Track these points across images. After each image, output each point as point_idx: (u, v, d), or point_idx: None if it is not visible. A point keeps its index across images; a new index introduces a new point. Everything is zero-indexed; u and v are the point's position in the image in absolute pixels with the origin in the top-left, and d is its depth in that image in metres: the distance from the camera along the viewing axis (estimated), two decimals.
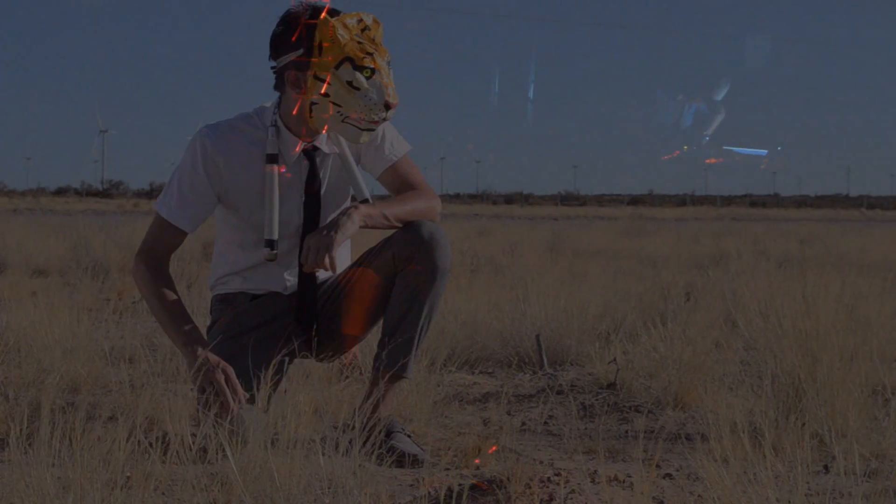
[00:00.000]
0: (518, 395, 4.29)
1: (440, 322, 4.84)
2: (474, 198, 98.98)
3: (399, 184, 3.40)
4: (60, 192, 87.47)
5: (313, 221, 3.36)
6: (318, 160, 3.37)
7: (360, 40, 3.20)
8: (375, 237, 3.46)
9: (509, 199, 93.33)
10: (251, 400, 3.14)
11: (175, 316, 3.24)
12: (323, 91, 3.21)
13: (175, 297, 3.28)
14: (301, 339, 3.37)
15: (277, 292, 3.43)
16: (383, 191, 3.54)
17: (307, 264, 3.11)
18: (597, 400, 4.15)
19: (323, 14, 3.20)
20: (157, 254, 3.31)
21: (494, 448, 3.15)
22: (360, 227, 3.20)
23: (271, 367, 3.14)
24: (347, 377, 3.84)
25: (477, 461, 3.09)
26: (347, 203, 3.43)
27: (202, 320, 4.06)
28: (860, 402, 3.50)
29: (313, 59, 3.20)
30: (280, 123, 3.34)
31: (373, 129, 3.25)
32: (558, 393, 4.29)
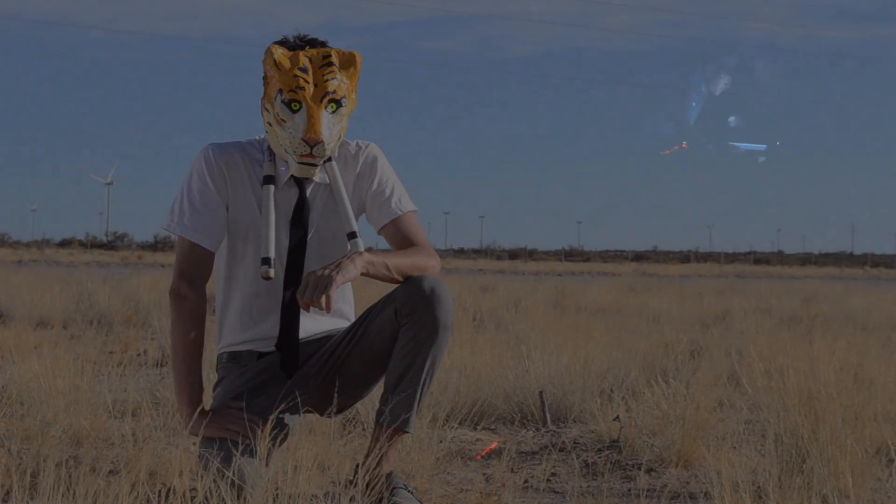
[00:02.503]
0: (521, 451, 4.28)
1: (443, 377, 4.84)
2: (478, 253, 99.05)
3: (401, 238, 3.40)
4: (65, 243, 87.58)
5: (300, 249, 3.35)
6: (307, 188, 3.38)
7: (299, 74, 3.21)
8: (373, 285, 3.47)
9: (513, 255, 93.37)
10: (252, 454, 3.13)
11: (190, 365, 3.29)
12: (267, 120, 3.26)
13: (199, 341, 3.30)
14: (302, 395, 3.36)
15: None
16: (380, 244, 3.54)
17: (304, 300, 3.10)
18: (600, 457, 4.14)
19: (273, 46, 3.24)
20: (194, 276, 3.31)
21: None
22: (362, 273, 3.20)
23: (269, 421, 3.14)
24: (350, 432, 3.83)
25: None
26: (339, 237, 3.41)
27: (206, 374, 4.06)
28: (864, 463, 3.49)
29: (265, 89, 3.27)
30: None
31: (309, 164, 3.23)
32: (561, 450, 4.28)
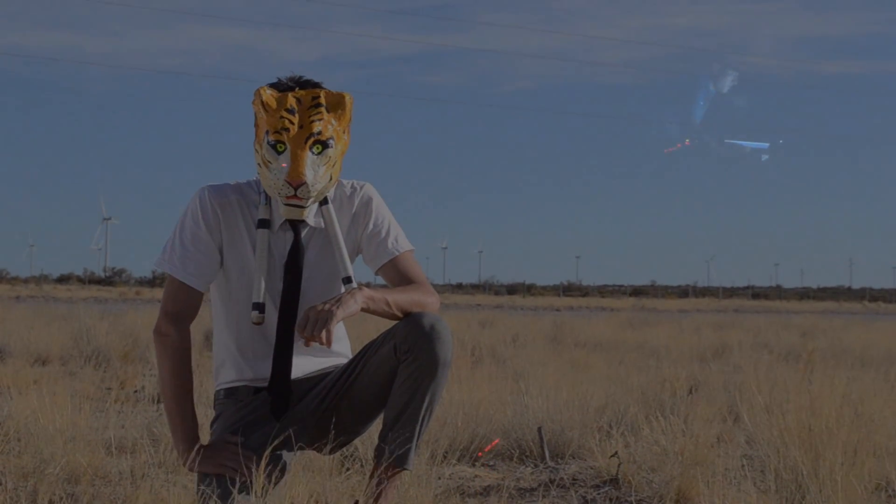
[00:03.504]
0: (519, 488, 4.27)
1: (441, 413, 4.83)
2: (476, 288, 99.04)
3: (400, 277, 3.40)
4: (63, 279, 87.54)
5: (293, 292, 3.35)
6: (302, 232, 3.38)
7: (285, 115, 3.21)
8: (370, 321, 3.46)
9: (511, 290, 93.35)
10: (249, 491, 3.12)
11: (181, 403, 3.28)
12: (257, 161, 3.27)
13: (188, 378, 3.30)
14: (300, 432, 3.35)
15: None
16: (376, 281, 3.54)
17: (304, 335, 3.10)
18: (599, 494, 4.12)
19: (262, 88, 3.25)
20: (179, 316, 3.32)
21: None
22: (362, 308, 3.20)
23: (263, 458, 3.14)
24: (348, 469, 3.82)
25: None
26: (333, 281, 3.41)
27: (204, 410, 4.05)
28: (864, 499, 3.48)
29: (255, 131, 3.28)
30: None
31: (295, 206, 3.23)
32: (560, 487, 4.27)
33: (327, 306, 3.11)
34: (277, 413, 3.35)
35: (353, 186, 3.44)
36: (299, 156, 3.18)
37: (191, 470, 3.20)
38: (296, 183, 3.18)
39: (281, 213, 3.28)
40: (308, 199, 3.23)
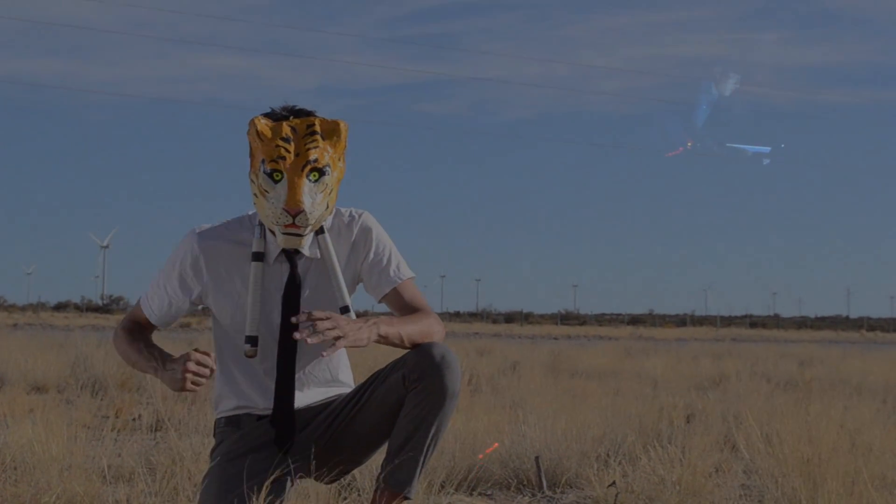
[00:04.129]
0: None
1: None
2: (474, 316, 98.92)
3: (404, 305, 3.39)
4: (60, 307, 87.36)
5: (291, 324, 3.34)
6: (299, 263, 3.38)
7: (281, 144, 3.21)
8: (369, 350, 3.46)
9: (509, 318, 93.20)
10: None
11: (144, 350, 3.35)
12: (253, 191, 3.27)
13: (147, 338, 3.39)
14: (301, 460, 3.35)
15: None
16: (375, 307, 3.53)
17: (309, 329, 3.07)
18: None
19: (257, 118, 3.26)
20: (134, 323, 3.45)
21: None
22: (374, 341, 3.21)
23: (264, 488, 3.13)
24: (346, 498, 3.81)
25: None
26: (332, 310, 3.40)
27: (202, 438, 4.03)
28: None
29: (251, 161, 3.29)
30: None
31: (295, 235, 3.22)
32: None
33: (346, 322, 3.09)
34: (282, 445, 3.35)
35: (350, 215, 3.43)
36: (296, 183, 3.18)
37: (176, 389, 3.23)
38: (294, 211, 3.18)
39: (278, 242, 3.28)
40: (306, 226, 3.23)
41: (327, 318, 3.08)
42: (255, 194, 3.27)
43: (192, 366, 3.18)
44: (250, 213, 3.42)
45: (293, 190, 3.18)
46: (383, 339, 3.20)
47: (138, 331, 3.43)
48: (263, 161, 3.22)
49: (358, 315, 3.30)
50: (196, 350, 3.20)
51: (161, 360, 3.29)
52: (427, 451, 3.24)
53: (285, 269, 3.36)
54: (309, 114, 3.32)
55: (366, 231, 3.42)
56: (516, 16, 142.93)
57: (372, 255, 3.40)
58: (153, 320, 3.42)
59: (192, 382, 3.18)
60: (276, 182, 3.21)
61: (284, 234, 3.23)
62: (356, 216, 3.43)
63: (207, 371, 3.20)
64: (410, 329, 3.25)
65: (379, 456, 3.36)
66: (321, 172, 3.24)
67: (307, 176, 3.22)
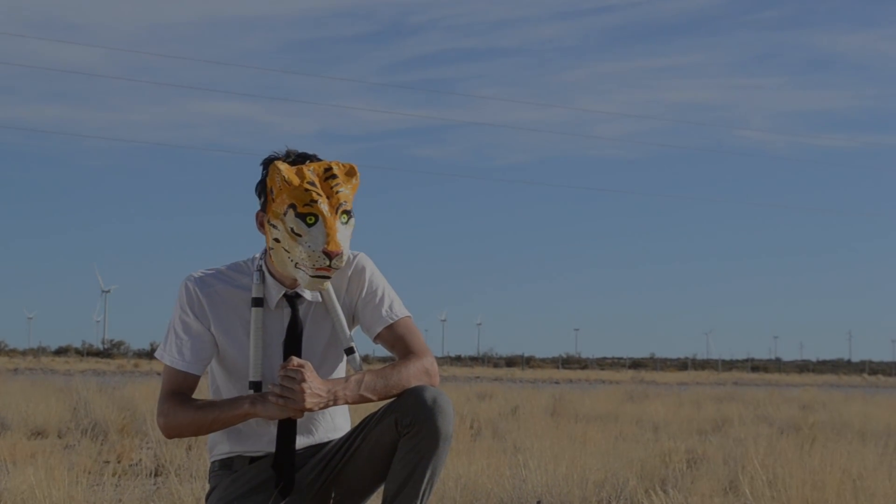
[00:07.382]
0: None
1: (439, 487, 4.81)
2: (475, 360, 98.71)
3: (397, 344, 3.39)
4: (61, 351, 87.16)
5: None
6: (300, 307, 3.39)
7: (310, 188, 3.23)
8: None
9: (510, 362, 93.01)
10: None
11: (215, 406, 3.26)
12: (275, 236, 3.27)
13: (202, 401, 3.29)
14: (292, 501, 3.34)
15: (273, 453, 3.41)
16: (374, 350, 3.53)
17: (287, 404, 3.10)
18: None
19: (279, 162, 3.27)
20: (178, 394, 3.33)
21: None
22: (352, 402, 3.23)
23: None
24: None
25: None
26: (332, 354, 3.41)
27: (201, 483, 4.02)
28: None
29: (269, 205, 3.28)
30: (265, 269, 3.38)
31: (323, 277, 3.23)
32: None
33: (320, 385, 3.13)
34: (285, 491, 3.34)
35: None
36: (333, 226, 3.21)
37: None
38: (334, 254, 3.19)
39: (304, 285, 3.27)
40: (339, 268, 3.25)
41: (300, 381, 3.11)
42: (276, 239, 3.26)
43: (309, 377, 3.14)
44: (246, 259, 3.43)
45: (332, 232, 3.20)
46: (361, 400, 3.23)
47: (187, 398, 3.32)
48: (294, 205, 3.23)
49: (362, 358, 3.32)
50: (288, 365, 3.15)
51: (237, 396, 3.25)
52: (423, 495, 3.23)
53: (286, 314, 3.37)
54: (313, 158, 3.35)
55: (360, 271, 3.44)
56: (513, 62, 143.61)
57: (365, 294, 3.42)
58: (193, 369, 3.33)
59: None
60: (310, 226, 3.22)
61: (315, 276, 3.23)
62: (351, 257, 3.44)
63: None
64: (391, 378, 3.25)
65: (374, 499, 3.35)
66: (349, 214, 3.27)
67: (339, 217, 3.24)
